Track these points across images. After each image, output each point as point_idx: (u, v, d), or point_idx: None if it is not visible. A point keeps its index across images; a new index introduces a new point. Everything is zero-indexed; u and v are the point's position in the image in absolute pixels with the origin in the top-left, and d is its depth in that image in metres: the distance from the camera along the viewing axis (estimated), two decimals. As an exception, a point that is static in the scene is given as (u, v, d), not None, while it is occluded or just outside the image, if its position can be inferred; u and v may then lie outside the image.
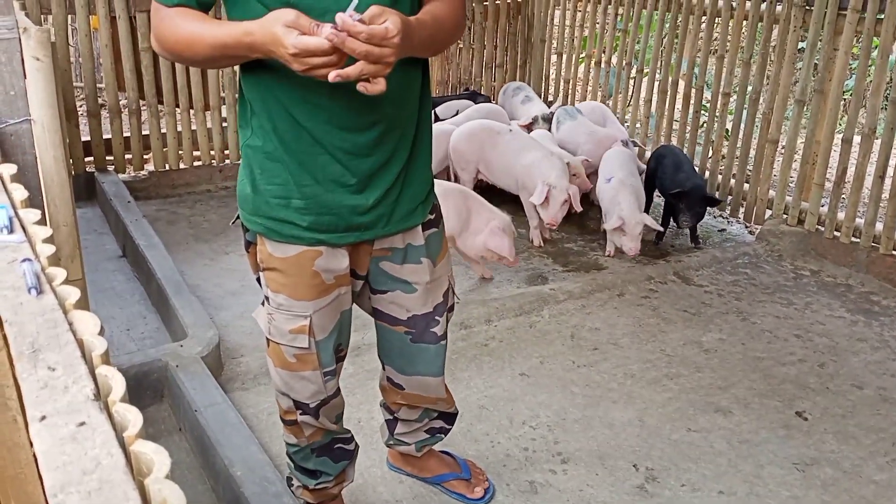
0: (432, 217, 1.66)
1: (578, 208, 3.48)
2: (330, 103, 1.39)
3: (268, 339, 1.64)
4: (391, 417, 1.97)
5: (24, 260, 1.10)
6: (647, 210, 3.95)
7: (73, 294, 1.06)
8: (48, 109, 2.01)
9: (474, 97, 4.85)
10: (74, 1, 4.00)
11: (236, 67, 1.47)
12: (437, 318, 1.71)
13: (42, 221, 1.39)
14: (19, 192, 1.41)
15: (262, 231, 1.53)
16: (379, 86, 1.22)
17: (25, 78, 1.92)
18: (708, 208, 3.77)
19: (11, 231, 1.21)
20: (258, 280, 1.72)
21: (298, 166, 1.44)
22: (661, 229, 3.71)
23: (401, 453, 2.07)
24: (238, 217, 1.62)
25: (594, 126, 4.29)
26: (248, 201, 1.52)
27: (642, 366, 2.75)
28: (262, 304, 1.67)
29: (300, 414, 1.69)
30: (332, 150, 1.43)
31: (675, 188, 3.61)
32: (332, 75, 1.19)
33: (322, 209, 1.47)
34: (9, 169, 1.51)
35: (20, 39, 1.87)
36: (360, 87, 1.22)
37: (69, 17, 4.05)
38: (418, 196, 1.59)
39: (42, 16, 3.99)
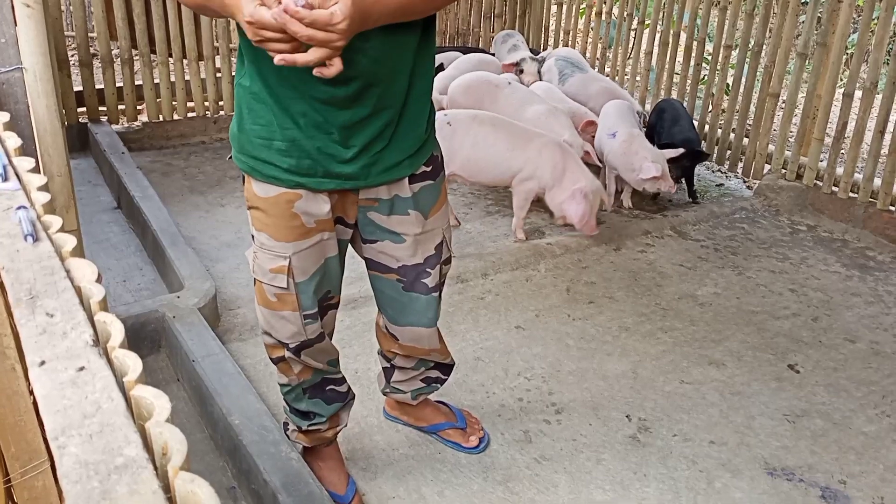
0: (428, 169, 1.64)
1: (597, 162, 3.42)
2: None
3: (254, 278, 1.66)
4: (388, 365, 1.98)
5: (19, 207, 1.09)
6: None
7: (69, 242, 1.06)
8: (40, 57, 1.97)
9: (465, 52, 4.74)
10: (63, -54, 3.91)
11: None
12: (428, 269, 1.71)
13: (36, 170, 1.38)
14: (12, 140, 1.40)
15: (246, 170, 1.55)
16: (333, 68, 1.21)
17: (16, 25, 1.89)
18: (704, 163, 3.75)
19: (6, 179, 1.21)
20: None
21: (281, 109, 1.44)
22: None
23: (397, 402, 2.10)
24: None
25: (605, 78, 4.22)
26: (235, 139, 1.55)
27: (637, 319, 2.77)
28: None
29: (285, 350, 1.72)
30: (310, 98, 1.42)
31: (669, 144, 3.59)
32: (277, 59, 1.19)
33: (302, 153, 1.47)
34: (1, 117, 1.49)
35: (9, -15, 1.83)
36: (316, 71, 1.22)
37: (58, -38, 3.95)
38: (407, 150, 1.56)
39: (30, -39, 3.90)
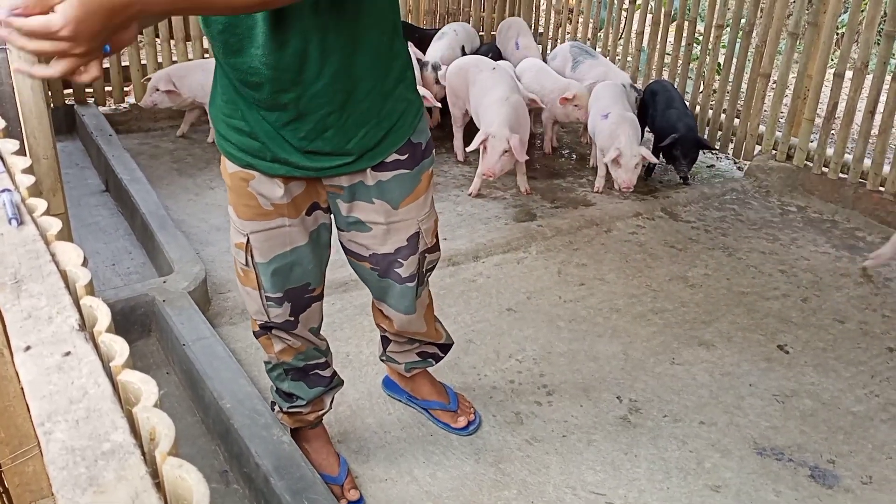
0: (402, 158, 1.56)
1: (521, 158, 3.27)
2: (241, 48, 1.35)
3: None
4: (384, 335, 1.99)
5: (3, 190, 1.08)
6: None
7: (54, 225, 1.05)
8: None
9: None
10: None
11: None
12: (399, 260, 1.68)
13: (21, 152, 1.36)
14: (-5, 121, 1.37)
15: (217, 144, 1.58)
16: (86, 75, 0.99)
17: (-3, 4, 1.85)
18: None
19: (-12, 162, 1.19)
20: None
21: (236, 90, 1.44)
22: (656, 161, 3.68)
23: (394, 369, 2.11)
24: None
25: (611, 65, 4.21)
26: (210, 113, 1.56)
27: (628, 300, 2.78)
28: None
29: (260, 327, 1.77)
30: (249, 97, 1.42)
31: (666, 127, 3.59)
32: (13, 67, 1.08)
33: (252, 135, 1.47)
34: (-17, 99, 1.46)
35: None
36: (65, 76, 0.99)
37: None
38: (358, 146, 1.48)
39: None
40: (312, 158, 1.47)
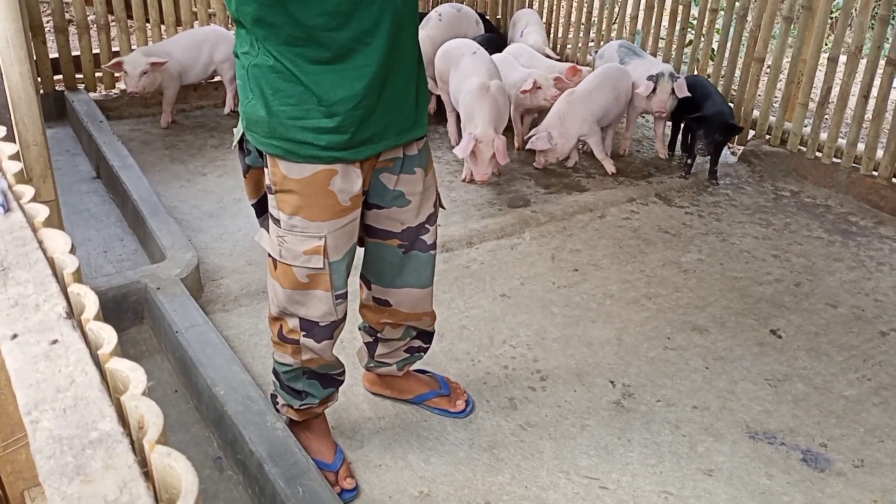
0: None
1: (503, 161, 3.16)
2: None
3: (275, 261, 1.63)
4: (371, 340, 1.98)
5: (-12, 178, 1.07)
6: (670, 144, 3.93)
7: (42, 212, 1.04)
8: (12, 22, 1.92)
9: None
10: None
11: None
12: (427, 226, 1.76)
13: (10, 139, 1.34)
14: (-20, 108, 1.36)
15: (279, 153, 1.52)
16: None
17: (-16, -11, 1.83)
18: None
19: (-26, 148, 1.17)
20: (255, 205, 1.71)
21: (312, 82, 1.43)
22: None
23: (380, 376, 2.10)
24: (240, 141, 1.60)
25: (658, 62, 4.01)
26: (262, 124, 1.50)
27: (621, 286, 2.78)
28: (265, 228, 1.68)
29: (304, 335, 1.69)
30: (333, 63, 1.44)
31: (700, 115, 3.50)
32: None
33: (337, 127, 1.47)
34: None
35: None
36: None
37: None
38: (423, 110, 1.64)
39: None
40: (397, 126, 1.57)
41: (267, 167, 1.57)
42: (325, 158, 1.51)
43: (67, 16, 4.02)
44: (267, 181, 1.59)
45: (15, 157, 1.19)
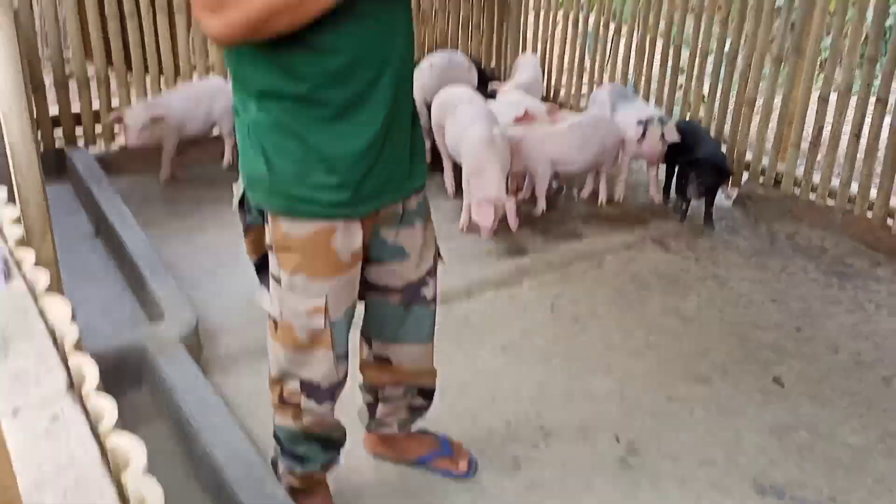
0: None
1: (514, 225, 3.19)
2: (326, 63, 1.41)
3: (275, 323, 1.63)
4: (372, 400, 1.97)
5: (-9, 244, 1.07)
6: (665, 188, 3.92)
7: (43, 278, 1.03)
8: (12, 78, 1.93)
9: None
10: (37, -32, 3.86)
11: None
12: (427, 279, 1.76)
13: (10, 200, 1.35)
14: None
15: (280, 211, 1.51)
16: None
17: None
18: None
19: (-23, 212, 1.18)
20: (256, 264, 1.70)
21: (314, 138, 1.44)
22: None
23: (381, 437, 2.08)
24: (240, 200, 1.60)
25: (648, 107, 4.10)
26: (262, 182, 1.50)
27: (622, 336, 2.77)
28: (266, 287, 1.66)
29: (305, 397, 1.68)
30: (338, 114, 1.45)
31: (689, 158, 3.53)
32: None
33: (340, 184, 1.48)
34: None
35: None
36: None
37: (30, -16, 3.91)
38: (423, 161, 1.67)
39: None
40: (397, 180, 1.58)
41: (268, 225, 1.57)
42: (326, 215, 1.51)
43: (67, 70, 4.06)
44: (268, 240, 1.58)
45: (16, 221, 1.19)
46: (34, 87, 3.82)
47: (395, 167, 1.56)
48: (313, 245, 1.53)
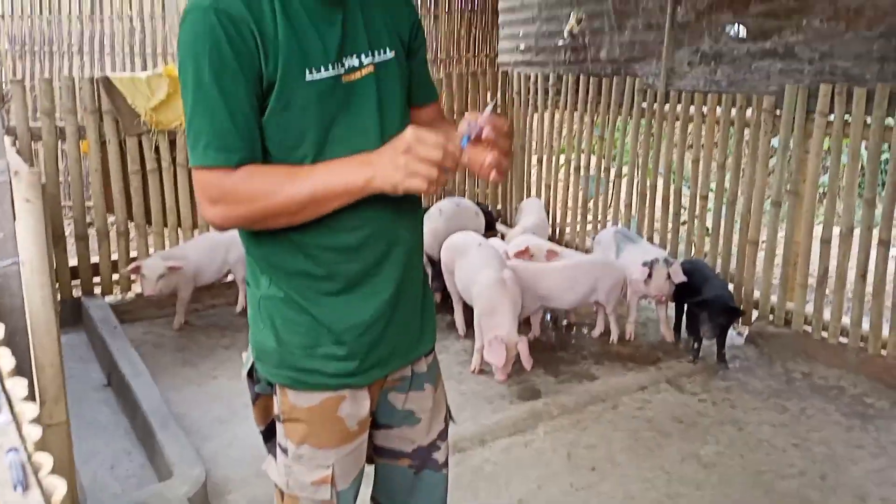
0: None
1: (528, 366, 3.24)
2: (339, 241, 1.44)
3: (282, 493, 1.59)
4: None
5: (10, 450, 1.07)
6: (676, 326, 3.98)
7: (59, 488, 1.03)
8: (37, 251, 2.01)
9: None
10: (65, 128, 4.09)
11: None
12: (438, 443, 1.70)
13: (29, 382, 1.36)
14: (6, 361, 1.39)
15: (288, 383, 1.51)
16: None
17: (15, 220, 1.93)
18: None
19: (-2, 411, 1.19)
20: (264, 433, 1.69)
21: (324, 310, 1.46)
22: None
23: None
24: (250, 372, 1.61)
25: (653, 248, 4.19)
26: (271, 354, 1.51)
27: (642, 486, 2.69)
28: (273, 455, 1.64)
29: None
30: (346, 288, 1.46)
31: (697, 298, 3.58)
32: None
33: (347, 354, 1.48)
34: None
35: (10, 182, 1.89)
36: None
37: (59, 142, 4.13)
38: (432, 323, 1.65)
39: (32, 142, 4.07)
40: (406, 346, 1.56)
41: (276, 395, 1.57)
42: (333, 386, 1.50)
43: (88, 218, 4.21)
44: (276, 410, 1.58)
45: (36, 420, 1.20)
46: (55, 240, 3.95)
47: (405, 333, 1.57)
48: (320, 415, 1.51)
